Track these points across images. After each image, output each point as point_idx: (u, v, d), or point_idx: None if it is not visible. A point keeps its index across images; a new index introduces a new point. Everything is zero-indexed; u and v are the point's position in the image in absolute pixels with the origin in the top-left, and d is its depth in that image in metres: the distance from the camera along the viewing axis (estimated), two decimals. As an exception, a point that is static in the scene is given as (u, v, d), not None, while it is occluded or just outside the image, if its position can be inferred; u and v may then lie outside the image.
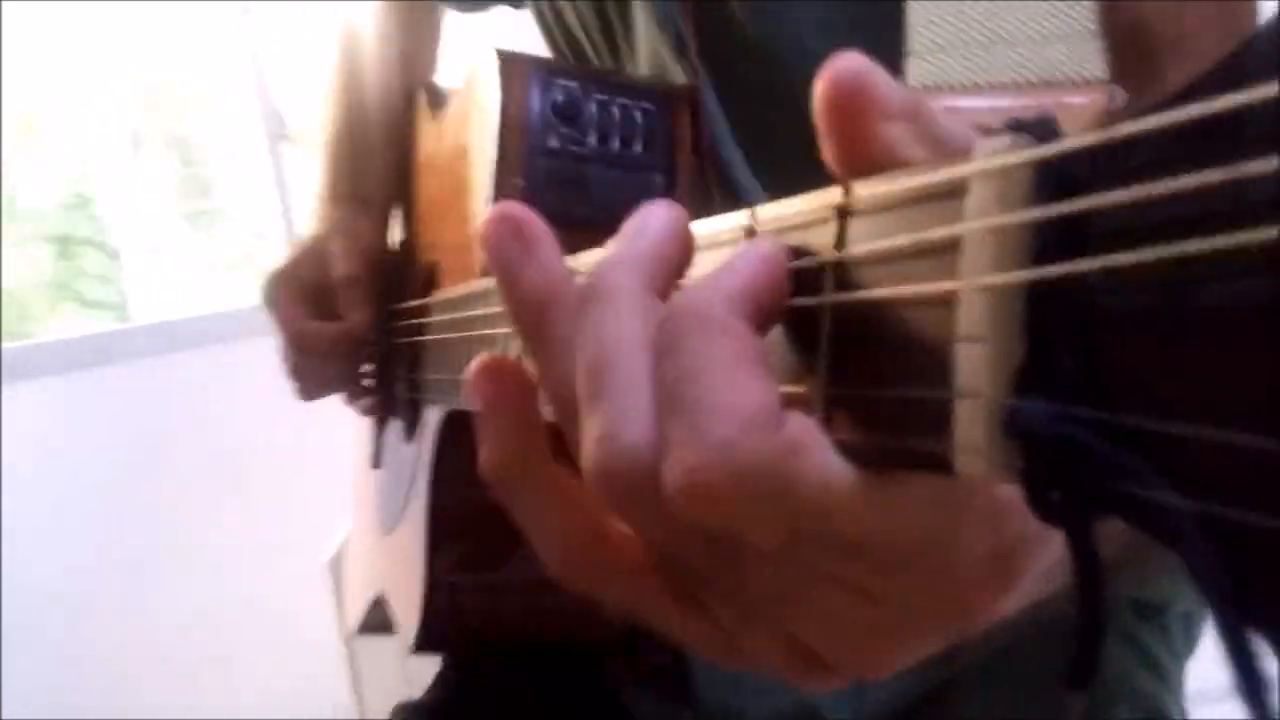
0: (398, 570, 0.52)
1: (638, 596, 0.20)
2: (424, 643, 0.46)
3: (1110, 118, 0.19)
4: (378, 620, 0.61)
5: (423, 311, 0.51)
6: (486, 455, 0.21)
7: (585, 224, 0.40)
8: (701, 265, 0.20)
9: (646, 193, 0.41)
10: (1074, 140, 0.14)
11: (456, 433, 0.46)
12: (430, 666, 0.55)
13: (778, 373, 0.18)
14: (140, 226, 1.63)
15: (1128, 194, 0.13)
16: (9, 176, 1.56)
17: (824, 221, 0.18)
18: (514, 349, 0.32)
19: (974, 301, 0.14)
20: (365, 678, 1.08)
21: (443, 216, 0.54)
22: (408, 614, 0.48)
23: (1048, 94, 0.20)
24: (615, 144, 0.42)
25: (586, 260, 0.27)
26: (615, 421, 0.17)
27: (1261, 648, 0.11)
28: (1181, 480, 0.12)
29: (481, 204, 0.43)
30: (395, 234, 0.65)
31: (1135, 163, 0.13)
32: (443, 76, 0.69)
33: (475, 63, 0.46)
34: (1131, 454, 0.13)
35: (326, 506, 1.10)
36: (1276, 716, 0.11)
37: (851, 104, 0.17)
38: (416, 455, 0.51)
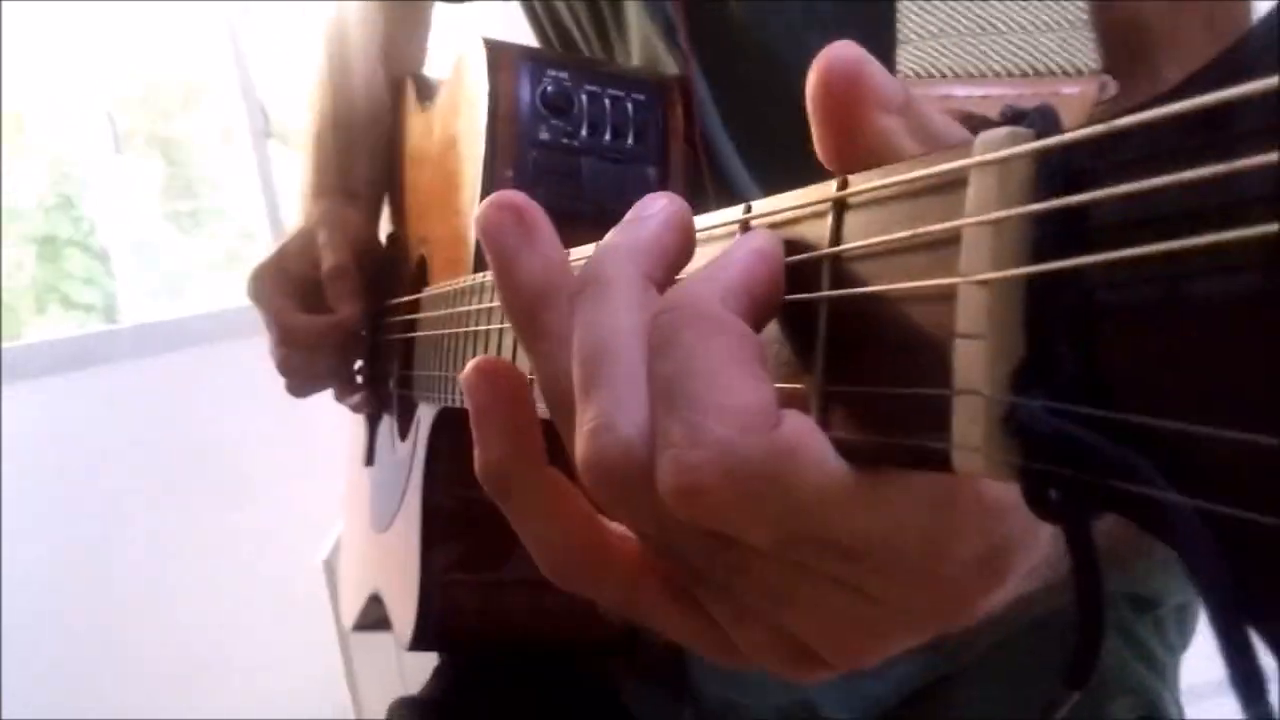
0: (392, 568, 0.52)
1: (632, 597, 0.20)
2: (419, 641, 0.46)
3: (1103, 108, 0.19)
4: (373, 618, 0.60)
5: (414, 307, 0.50)
6: (481, 458, 0.21)
7: (577, 217, 0.40)
8: (696, 260, 0.20)
9: (639, 185, 0.41)
10: (1075, 133, 0.13)
11: (450, 430, 0.46)
12: (426, 664, 0.55)
13: (774, 369, 0.18)
14: (126, 227, 1.61)
15: (1129, 188, 0.12)
16: (-3, 177, 1.54)
17: (820, 215, 0.18)
18: (507, 345, 0.31)
19: (973, 297, 0.14)
20: (361, 676, 1.08)
21: (432, 210, 0.54)
22: (403, 612, 0.47)
23: (1039, 84, 0.19)
24: (607, 136, 0.41)
25: (581, 254, 0.27)
26: (609, 413, 0.17)
27: (1258, 644, 0.11)
28: (1180, 477, 0.12)
29: (472, 197, 0.43)
30: (384, 228, 0.65)
31: (1136, 156, 0.13)
32: (431, 68, 0.68)
33: (463, 53, 0.46)
34: (1131, 451, 0.12)
35: (321, 505, 1.09)
36: (1273, 713, 0.11)
37: (846, 93, 0.17)
38: (410, 453, 0.50)
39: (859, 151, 0.17)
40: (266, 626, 1.41)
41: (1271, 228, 0.11)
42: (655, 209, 0.19)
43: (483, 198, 0.42)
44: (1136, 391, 0.13)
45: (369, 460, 0.62)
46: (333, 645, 1.08)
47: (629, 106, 0.42)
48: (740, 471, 0.15)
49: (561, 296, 0.19)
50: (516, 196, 0.20)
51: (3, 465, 1.30)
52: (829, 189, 0.18)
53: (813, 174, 0.18)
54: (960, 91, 0.19)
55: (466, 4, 0.66)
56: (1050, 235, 0.14)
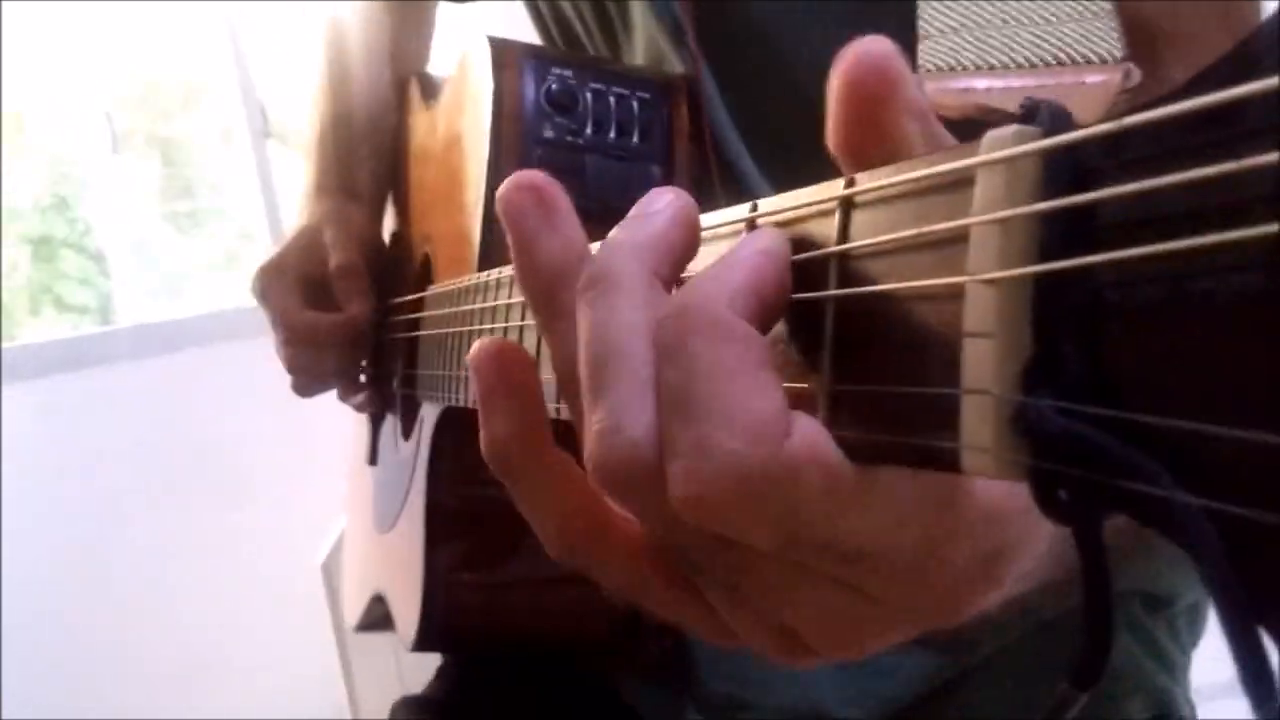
0: (396, 568, 0.52)
1: (632, 578, 0.20)
2: (423, 641, 0.46)
3: (1125, 98, 0.19)
4: (376, 618, 0.60)
5: (418, 305, 0.50)
6: (487, 437, 0.21)
7: (581, 215, 0.40)
8: (703, 258, 0.20)
9: (644, 183, 0.41)
10: (1082, 132, 0.13)
11: (453, 429, 0.46)
12: (424, 666, 0.55)
13: (781, 369, 0.18)
14: (124, 227, 1.61)
15: (1137, 186, 0.12)
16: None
17: (827, 213, 0.18)
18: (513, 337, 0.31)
19: (981, 295, 0.14)
20: (359, 677, 1.08)
21: (436, 208, 0.54)
22: (406, 612, 0.47)
23: (1062, 73, 0.19)
24: (612, 134, 0.41)
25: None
26: (617, 414, 0.17)
27: (1269, 644, 0.11)
28: (1189, 477, 0.12)
29: (476, 195, 0.43)
30: (388, 227, 0.65)
31: (1144, 155, 0.13)
32: (434, 67, 0.68)
33: (467, 51, 0.46)
34: (1140, 451, 0.12)
35: (319, 508, 1.10)
36: None
37: (875, 91, 0.17)
38: (414, 452, 0.50)
39: (875, 150, 0.17)
40: (264, 628, 1.41)
41: (1274, 228, 0.10)
42: (661, 204, 0.19)
43: (487, 195, 0.42)
44: (1145, 391, 0.13)
45: (372, 460, 0.62)
46: (330, 647, 1.08)
47: (634, 104, 0.42)
48: (750, 484, 0.15)
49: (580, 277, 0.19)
50: (537, 176, 0.20)
51: (2, 465, 1.30)
52: (836, 187, 0.17)
53: (822, 171, 0.18)
54: (981, 84, 0.19)
55: (470, 4, 0.65)
56: (1058, 234, 0.14)
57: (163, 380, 1.45)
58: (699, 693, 0.45)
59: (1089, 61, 0.18)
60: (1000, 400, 0.14)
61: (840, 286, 0.17)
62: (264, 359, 0.59)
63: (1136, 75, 0.19)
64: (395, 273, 0.60)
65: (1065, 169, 0.14)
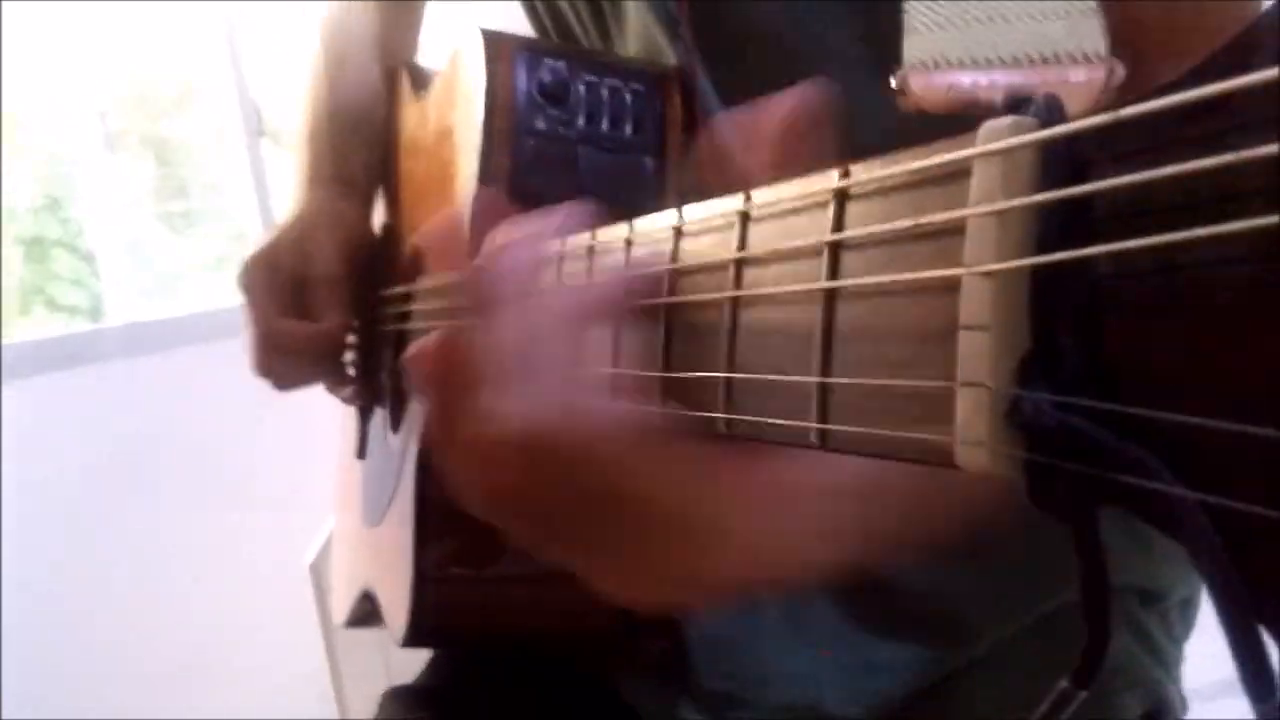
0: (385, 564, 0.51)
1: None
2: (413, 637, 0.46)
3: (1111, 94, 0.19)
4: (365, 614, 0.60)
5: (408, 298, 0.50)
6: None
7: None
8: (700, 247, 0.20)
9: (637, 175, 0.41)
10: (1079, 123, 0.13)
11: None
12: (413, 666, 0.55)
13: (785, 363, 0.18)
14: (117, 227, 1.59)
15: (1134, 178, 0.12)
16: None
17: (822, 205, 0.17)
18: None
19: (977, 288, 0.14)
20: (347, 677, 1.08)
21: (427, 199, 0.53)
22: (396, 608, 0.47)
23: (1047, 70, 0.19)
24: (604, 125, 0.41)
25: (576, 242, 0.26)
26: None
27: (1268, 640, 0.11)
28: (1188, 472, 0.12)
29: (467, 186, 0.43)
30: (379, 217, 0.64)
31: (1141, 146, 0.12)
32: (425, 58, 0.68)
33: (459, 42, 0.46)
34: (1137, 445, 0.12)
35: (308, 509, 1.09)
36: None
37: (808, 135, 0.22)
38: (403, 446, 0.50)
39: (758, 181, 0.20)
40: (253, 627, 1.41)
41: (1273, 219, 0.10)
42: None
43: (479, 186, 0.42)
44: (1142, 384, 0.12)
45: (360, 453, 0.62)
46: (318, 647, 1.07)
47: (627, 96, 0.41)
48: (563, 419, 0.22)
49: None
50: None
51: (2, 466, 1.30)
52: (831, 179, 0.17)
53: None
54: (966, 78, 0.19)
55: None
56: (1055, 225, 0.13)
57: (152, 380, 1.44)
58: (697, 691, 0.45)
59: (1073, 59, 0.18)
60: (996, 394, 0.14)
61: (835, 278, 0.17)
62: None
63: (1121, 73, 0.19)
64: (385, 264, 0.60)
65: (1062, 160, 0.14)
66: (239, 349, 0.57)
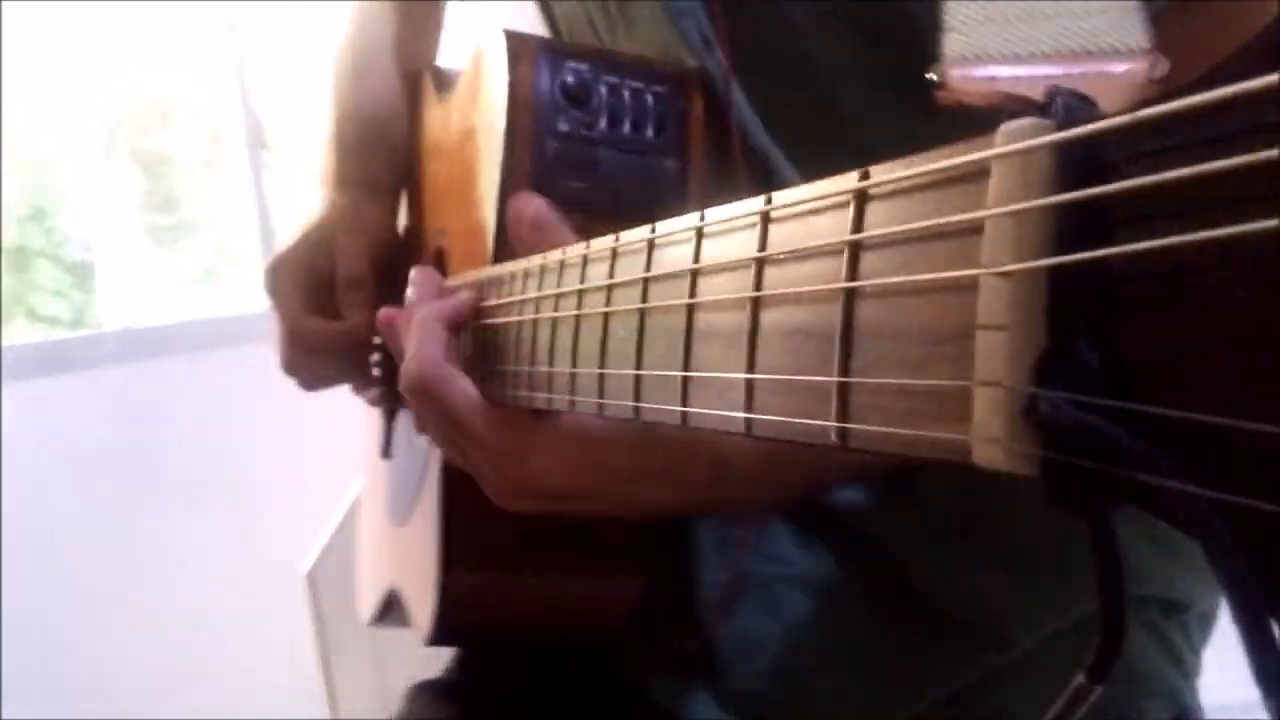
0: (411, 563, 0.52)
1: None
2: (438, 635, 0.46)
3: (1151, 88, 0.19)
4: (390, 613, 0.61)
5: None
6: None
7: (595, 208, 0.40)
8: (723, 248, 0.20)
9: (658, 177, 0.41)
10: (1097, 124, 0.13)
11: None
12: (405, 675, 0.55)
13: (797, 360, 0.18)
14: (105, 240, 1.57)
15: (1152, 179, 0.12)
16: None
17: (841, 206, 0.18)
18: (525, 336, 0.32)
19: (995, 288, 0.14)
20: (340, 688, 1.08)
21: (450, 201, 0.54)
22: (421, 606, 0.48)
23: (1089, 63, 0.19)
24: (627, 128, 0.41)
25: (600, 245, 0.27)
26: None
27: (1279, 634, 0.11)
28: (1203, 470, 0.12)
29: (491, 189, 0.43)
30: (402, 219, 0.65)
31: (1160, 147, 0.13)
32: (447, 60, 0.69)
33: (482, 44, 0.46)
34: (1153, 444, 0.12)
35: (306, 517, 1.10)
36: None
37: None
38: (428, 446, 0.51)
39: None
40: (249, 635, 1.40)
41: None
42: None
43: (501, 188, 0.42)
44: (1158, 383, 0.13)
45: (386, 453, 0.63)
46: (314, 660, 1.08)
47: (649, 98, 0.42)
48: (425, 378, 0.36)
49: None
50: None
51: (2, 466, 1.31)
52: (851, 180, 0.18)
53: (844, 159, 0.18)
54: (1005, 72, 0.19)
55: (479, 1, 0.65)
56: (1073, 226, 0.14)
57: (150, 386, 1.43)
58: (726, 690, 0.45)
59: (1116, 52, 0.18)
60: (1013, 392, 0.14)
61: (851, 279, 0.17)
62: (255, 366, 0.59)
63: (1164, 66, 0.19)
64: (409, 267, 0.61)
65: (1080, 161, 0.14)
66: (237, 356, 0.58)
